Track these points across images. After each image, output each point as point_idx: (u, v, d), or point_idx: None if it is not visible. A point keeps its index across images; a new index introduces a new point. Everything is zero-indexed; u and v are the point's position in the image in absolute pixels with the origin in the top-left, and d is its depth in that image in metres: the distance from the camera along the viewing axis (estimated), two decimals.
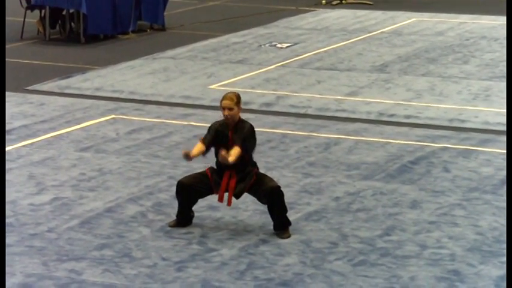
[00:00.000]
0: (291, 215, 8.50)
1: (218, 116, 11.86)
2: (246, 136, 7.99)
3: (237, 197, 8.16)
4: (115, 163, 10.04)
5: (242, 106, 8.12)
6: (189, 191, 8.12)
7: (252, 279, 7.30)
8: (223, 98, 8.07)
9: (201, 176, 8.20)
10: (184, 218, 8.29)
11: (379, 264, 7.55)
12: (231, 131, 8.06)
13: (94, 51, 16.10)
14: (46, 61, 15.28)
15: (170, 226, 8.27)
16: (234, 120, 8.07)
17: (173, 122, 11.66)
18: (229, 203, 8.14)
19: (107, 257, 7.68)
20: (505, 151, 10.38)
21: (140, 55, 15.50)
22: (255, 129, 8.16)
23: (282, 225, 8.14)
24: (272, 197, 8.02)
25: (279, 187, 8.07)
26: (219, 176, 8.11)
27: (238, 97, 8.07)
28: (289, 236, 8.09)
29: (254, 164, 8.16)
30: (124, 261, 7.60)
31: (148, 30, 17.92)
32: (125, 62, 15.01)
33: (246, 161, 8.06)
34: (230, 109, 8.01)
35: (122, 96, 13.01)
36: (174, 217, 8.42)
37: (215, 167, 8.20)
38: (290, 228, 8.20)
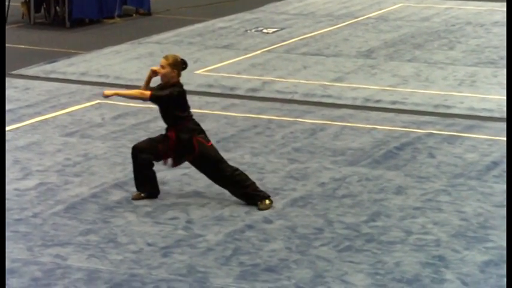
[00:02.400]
0: (277, 201, 8.51)
1: (204, 101, 11.90)
2: (162, 87, 8.35)
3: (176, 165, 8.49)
4: (100, 148, 10.02)
5: (181, 73, 8.38)
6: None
7: (237, 265, 7.31)
8: (165, 58, 8.38)
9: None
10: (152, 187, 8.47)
11: (365, 250, 7.57)
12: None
13: (79, 36, 16.04)
14: (31, 45, 15.21)
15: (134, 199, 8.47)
16: (167, 80, 8.33)
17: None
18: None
19: (92, 243, 7.66)
20: (490, 137, 10.41)
21: (126, 40, 15.46)
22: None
23: (252, 198, 8.33)
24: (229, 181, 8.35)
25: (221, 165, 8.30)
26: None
27: (175, 60, 8.35)
28: (268, 207, 8.28)
29: (191, 125, 8.42)
30: (109, 247, 7.59)
31: (134, 15, 17.86)
32: (110, 47, 14.96)
33: (176, 117, 8.35)
34: (162, 67, 8.31)
35: (108, 81, 12.97)
36: (162, 202, 8.42)
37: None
38: (276, 213, 8.22)
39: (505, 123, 10.94)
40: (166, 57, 8.39)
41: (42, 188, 8.86)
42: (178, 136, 8.35)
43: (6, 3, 16.78)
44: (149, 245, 7.65)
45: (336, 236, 7.83)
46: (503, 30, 16.22)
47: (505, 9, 18.22)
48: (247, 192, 8.36)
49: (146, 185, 8.51)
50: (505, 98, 12.00)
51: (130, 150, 9.89)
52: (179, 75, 8.41)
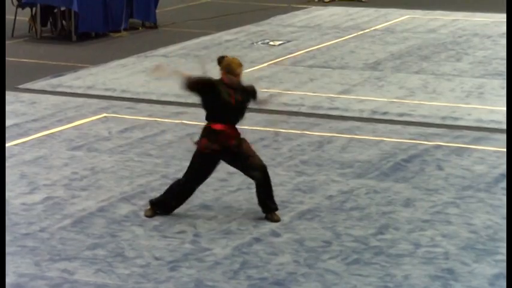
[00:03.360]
0: (284, 214, 8.48)
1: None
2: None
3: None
4: (107, 162, 10.00)
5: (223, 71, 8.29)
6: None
7: (245, 279, 7.27)
8: (238, 65, 8.18)
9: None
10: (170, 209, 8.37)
11: (373, 263, 7.52)
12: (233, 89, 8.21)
13: (86, 50, 16.05)
14: (37, 59, 15.22)
15: (147, 216, 8.35)
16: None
17: (166, 120, 11.62)
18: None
19: (100, 257, 7.63)
20: (499, 149, 10.37)
21: (132, 53, 15.46)
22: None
23: (272, 207, 8.29)
24: (264, 175, 8.21)
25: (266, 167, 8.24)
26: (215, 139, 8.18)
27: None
28: (279, 219, 8.27)
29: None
30: (117, 261, 7.56)
31: (140, 28, 17.88)
32: (116, 60, 14.97)
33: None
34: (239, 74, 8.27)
35: (114, 94, 12.96)
36: (169, 216, 8.39)
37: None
38: (283, 226, 8.19)
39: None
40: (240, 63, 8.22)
41: (49, 202, 8.84)
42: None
43: (12, 17, 16.81)
44: (156, 259, 7.61)
45: (344, 249, 7.79)
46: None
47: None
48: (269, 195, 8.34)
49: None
50: None
51: (137, 164, 9.93)
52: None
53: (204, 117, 8.39)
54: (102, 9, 16.83)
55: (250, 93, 8.38)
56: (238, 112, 8.26)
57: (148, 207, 8.47)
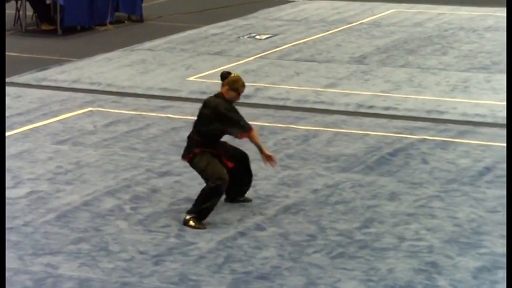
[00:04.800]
0: (269, 208, 8.48)
1: (196, 108, 11.81)
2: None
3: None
4: (92, 156, 9.97)
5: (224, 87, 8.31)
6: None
7: (230, 273, 7.26)
8: (241, 87, 8.19)
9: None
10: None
11: (358, 256, 7.53)
12: None
13: (71, 43, 16.00)
14: (22, 53, 15.16)
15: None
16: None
17: (151, 114, 11.59)
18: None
19: (84, 251, 7.61)
20: (483, 143, 10.39)
21: (118, 47, 15.42)
22: None
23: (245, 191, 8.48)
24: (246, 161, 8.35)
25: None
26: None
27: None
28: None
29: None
30: (101, 255, 7.54)
31: (126, 22, 17.83)
32: (102, 54, 14.92)
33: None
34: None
35: (100, 88, 12.93)
36: (154, 210, 8.38)
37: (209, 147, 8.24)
38: (268, 220, 8.19)
39: (499, 128, 10.93)
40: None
41: (33, 196, 8.81)
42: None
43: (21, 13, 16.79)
44: (141, 253, 7.60)
45: (329, 242, 7.80)
46: (496, 36, 16.22)
47: (498, 14, 18.23)
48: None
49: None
50: (497, 103, 11.99)
51: (122, 158, 9.90)
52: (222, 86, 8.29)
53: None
54: (87, 2, 16.78)
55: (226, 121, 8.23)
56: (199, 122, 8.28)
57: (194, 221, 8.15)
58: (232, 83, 8.21)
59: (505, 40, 15.81)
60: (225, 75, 8.26)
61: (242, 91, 8.26)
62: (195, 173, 9.45)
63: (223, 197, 8.42)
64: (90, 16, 16.89)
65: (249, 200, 8.62)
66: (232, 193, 8.51)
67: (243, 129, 8.18)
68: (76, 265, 7.36)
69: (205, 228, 8.04)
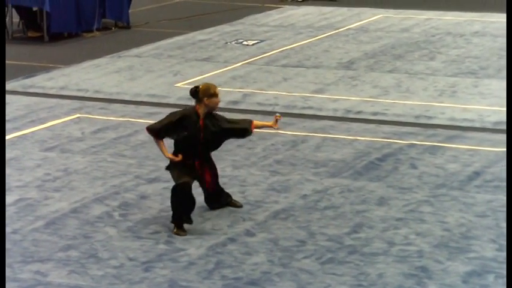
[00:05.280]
0: (259, 214, 8.47)
1: None
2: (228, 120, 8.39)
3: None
4: (80, 163, 9.94)
5: (199, 100, 8.27)
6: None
7: (220, 279, 7.25)
8: (215, 88, 8.17)
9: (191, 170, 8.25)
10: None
11: (347, 261, 7.53)
12: (202, 119, 8.17)
13: (58, 50, 15.96)
14: (9, 60, 15.11)
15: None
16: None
17: (139, 120, 11.57)
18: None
19: (73, 258, 7.58)
20: (472, 147, 10.41)
21: (105, 53, 15.39)
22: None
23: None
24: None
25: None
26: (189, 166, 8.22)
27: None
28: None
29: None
30: (90, 262, 7.51)
31: (113, 28, 17.81)
32: (89, 61, 14.89)
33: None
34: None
35: (87, 95, 12.90)
36: (143, 217, 8.35)
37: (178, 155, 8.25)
38: (258, 226, 8.19)
39: (487, 133, 10.95)
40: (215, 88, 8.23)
41: (21, 203, 8.77)
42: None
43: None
44: (130, 259, 7.57)
45: (319, 248, 7.79)
46: (483, 41, 16.27)
47: (485, 19, 18.29)
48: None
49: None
50: (485, 107, 12.01)
51: (111, 164, 9.88)
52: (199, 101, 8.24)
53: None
54: (74, 9, 16.75)
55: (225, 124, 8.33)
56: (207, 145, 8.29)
57: None
58: (206, 92, 8.17)
59: (492, 45, 15.87)
60: (194, 91, 8.20)
61: (217, 92, 8.23)
62: None
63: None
64: (77, 23, 16.86)
65: (239, 206, 8.61)
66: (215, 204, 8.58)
67: (248, 122, 8.42)
68: (65, 272, 7.33)
69: (183, 234, 8.02)
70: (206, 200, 8.55)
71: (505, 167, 9.65)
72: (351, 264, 7.46)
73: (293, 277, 7.26)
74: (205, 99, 8.17)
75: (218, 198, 8.58)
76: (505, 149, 10.23)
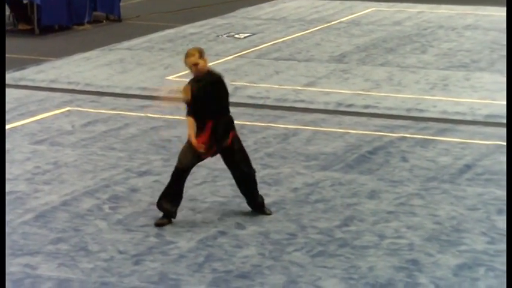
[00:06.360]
0: (249, 207, 8.44)
1: (175, 107, 11.77)
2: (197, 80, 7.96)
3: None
4: (70, 156, 9.90)
5: (207, 58, 8.00)
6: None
7: (210, 272, 7.22)
8: (185, 56, 7.89)
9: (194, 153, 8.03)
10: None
11: (338, 254, 7.51)
12: (190, 83, 7.97)
13: (49, 43, 15.90)
14: None
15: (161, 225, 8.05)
16: (203, 72, 7.94)
17: (130, 113, 11.53)
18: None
19: (63, 251, 7.55)
20: (463, 140, 10.40)
21: (96, 46, 15.34)
22: None
23: (261, 204, 8.29)
24: (247, 182, 8.21)
25: (254, 173, 8.19)
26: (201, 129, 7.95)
27: (200, 51, 7.92)
28: (270, 212, 8.30)
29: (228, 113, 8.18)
30: (80, 255, 7.48)
31: (104, 21, 17.75)
32: (80, 54, 14.84)
33: (224, 107, 8.10)
34: (195, 64, 7.87)
35: (78, 88, 12.85)
36: (133, 210, 8.32)
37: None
38: (248, 219, 8.16)
39: (478, 126, 10.94)
40: (191, 54, 7.84)
41: (11, 196, 8.73)
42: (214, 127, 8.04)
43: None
44: (120, 252, 7.54)
45: (309, 241, 7.77)
46: (475, 34, 16.26)
47: (477, 12, 18.29)
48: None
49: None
50: (477, 101, 12.01)
51: (101, 157, 9.84)
52: (206, 62, 7.98)
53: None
54: (65, 1, 16.69)
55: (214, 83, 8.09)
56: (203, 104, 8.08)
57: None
58: (185, 58, 7.93)
59: (484, 38, 15.86)
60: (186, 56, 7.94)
61: (192, 52, 7.88)
62: None
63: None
64: (67, 15, 16.80)
65: (268, 213, 8.34)
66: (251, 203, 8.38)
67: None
68: (55, 265, 7.29)
69: (163, 224, 7.99)
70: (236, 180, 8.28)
71: (499, 161, 9.65)
72: (342, 257, 7.45)
73: (283, 270, 7.24)
74: (202, 62, 7.91)
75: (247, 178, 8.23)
76: (497, 142, 10.23)
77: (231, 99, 12.12)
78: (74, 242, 7.72)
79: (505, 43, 15.36)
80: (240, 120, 11.15)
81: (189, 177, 9.24)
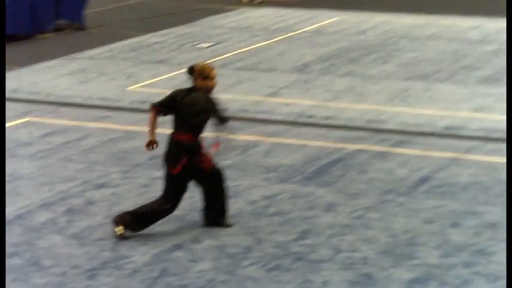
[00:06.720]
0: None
1: (137, 118, 11.75)
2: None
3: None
4: (27, 168, 9.84)
5: (196, 80, 8.13)
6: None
7: (164, 287, 7.20)
8: (211, 69, 8.03)
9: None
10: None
11: (293, 269, 7.51)
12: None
13: (11, 51, 15.78)
14: None
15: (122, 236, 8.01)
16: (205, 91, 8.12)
17: (89, 124, 11.47)
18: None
19: (16, 266, 7.49)
20: (421, 153, 10.45)
21: (59, 55, 15.27)
22: None
23: (222, 212, 8.21)
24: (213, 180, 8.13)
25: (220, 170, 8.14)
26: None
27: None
28: (231, 224, 8.24)
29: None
30: (33, 270, 7.43)
31: (67, 30, 17.65)
32: (42, 63, 14.77)
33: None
34: (213, 79, 8.09)
35: (39, 98, 12.78)
36: (89, 223, 8.28)
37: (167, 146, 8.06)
38: (204, 232, 8.14)
39: (437, 138, 11.00)
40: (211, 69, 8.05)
41: None
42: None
43: None
44: (74, 267, 7.50)
45: (265, 255, 7.77)
46: (438, 44, 16.36)
47: (440, 22, 18.41)
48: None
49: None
50: (437, 112, 12.07)
51: (58, 169, 9.77)
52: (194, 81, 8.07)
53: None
54: (28, 9, 16.59)
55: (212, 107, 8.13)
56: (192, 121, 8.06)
57: (119, 228, 8.02)
58: (201, 73, 8.03)
59: (447, 48, 15.96)
60: (191, 70, 8.09)
61: (214, 74, 8.05)
62: (132, 185, 9.40)
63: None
64: (30, 24, 16.71)
65: (228, 225, 8.32)
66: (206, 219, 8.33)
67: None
68: (8, 280, 7.23)
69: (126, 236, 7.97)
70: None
71: (455, 173, 9.71)
72: (297, 272, 7.45)
73: (238, 284, 7.24)
74: (199, 80, 8.03)
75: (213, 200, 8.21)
76: (454, 154, 10.29)
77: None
78: (27, 257, 7.67)
79: (467, 53, 15.48)
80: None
81: (146, 190, 9.24)
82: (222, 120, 8.21)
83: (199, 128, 8.06)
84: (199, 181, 8.19)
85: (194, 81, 8.10)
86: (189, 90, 8.11)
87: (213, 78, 8.08)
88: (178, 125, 8.05)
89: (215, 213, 8.29)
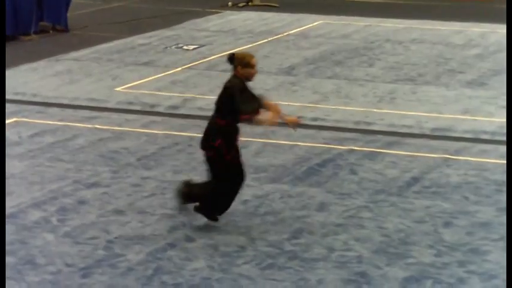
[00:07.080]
0: (199, 219, 8.41)
1: (124, 118, 11.74)
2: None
3: None
4: (17, 167, 9.79)
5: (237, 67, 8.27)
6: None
7: (159, 285, 7.19)
8: (252, 56, 8.11)
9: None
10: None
11: (287, 267, 7.52)
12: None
13: None
14: None
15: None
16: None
17: (77, 125, 11.44)
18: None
19: (10, 264, 7.45)
20: (410, 153, 10.50)
21: (43, 57, 15.20)
22: None
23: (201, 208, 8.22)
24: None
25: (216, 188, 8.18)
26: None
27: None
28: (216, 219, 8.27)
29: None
30: (27, 268, 7.40)
31: (51, 32, 17.59)
32: (27, 64, 14.70)
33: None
34: (253, 67, 8.16)
35: (25, 98, 12.72)
36: (82, 222, 8.25)
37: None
38: (198, 231, 8.14)
39: (425, 139, 11.06)
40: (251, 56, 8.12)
41: None
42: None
43: None
44: (68, 265, 7.47)
45: (259, 253, 7.78)
46: (422, 47, 16.45)
47: (423, 26, 18.50)
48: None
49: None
50: (424, 114, 12.13)
51: (48, 169, 9.74)
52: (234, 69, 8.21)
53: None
54: (11, 11, 16.51)
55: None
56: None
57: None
58: (241, 60, 8.10)
59: (430, 52, 16.04)
60: (230, 58, 8.17)
61: (254, 63, 8.11)
62: (123, 184, 9.39)
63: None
64: (13, 25, 16.62)
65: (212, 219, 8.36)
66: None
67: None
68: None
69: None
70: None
71: (445, 174, 9.77)
72: (291, 270, 7.46)
73: (233, 283, 7.24)
74: (239, 67, 8.08)
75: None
76: (443, 155, 10.35)
77: (181, 111, 12.19)
78: (21, 255, 7.63)
79: (450, 57, 15.57)
80: (189, 132, 11.15)
81: (137, 189, 9.22)
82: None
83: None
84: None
85: (234, 69, 8.12)
86: (233, 79, 8.18)
87: (253, 66, 8.14)
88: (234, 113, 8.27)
89: (202, 203, 8.28)
